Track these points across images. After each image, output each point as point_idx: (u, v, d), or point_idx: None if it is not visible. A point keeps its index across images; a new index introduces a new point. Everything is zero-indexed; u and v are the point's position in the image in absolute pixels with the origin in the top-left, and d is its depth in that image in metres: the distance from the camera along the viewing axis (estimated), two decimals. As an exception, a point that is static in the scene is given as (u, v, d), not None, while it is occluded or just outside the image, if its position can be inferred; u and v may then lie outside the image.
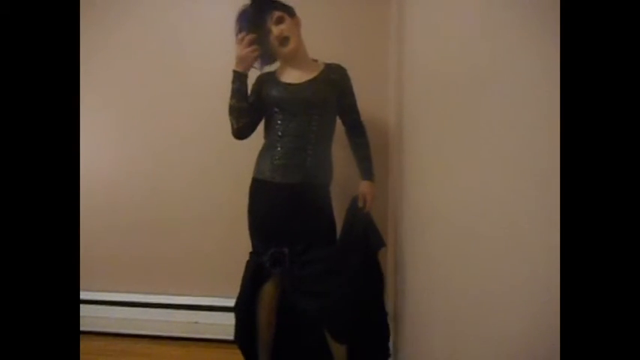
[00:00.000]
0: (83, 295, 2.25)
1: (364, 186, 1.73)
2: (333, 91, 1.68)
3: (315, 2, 2.13)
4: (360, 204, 1.70)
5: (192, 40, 2.23)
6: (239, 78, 1.61)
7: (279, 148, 1.61)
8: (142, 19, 2.28)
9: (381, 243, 1.70)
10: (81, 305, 2.21)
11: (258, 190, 1.66)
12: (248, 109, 1.64)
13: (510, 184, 0.57)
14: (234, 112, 1.63)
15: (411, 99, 1.47)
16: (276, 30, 1.59)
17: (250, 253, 1.72)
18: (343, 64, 2.10)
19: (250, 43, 1.57)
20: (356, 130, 1.79)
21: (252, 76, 1.70)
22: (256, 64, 1.67)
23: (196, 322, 2.23)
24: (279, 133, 1.62)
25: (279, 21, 1.60)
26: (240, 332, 1.73)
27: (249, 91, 1.66)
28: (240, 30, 1.62)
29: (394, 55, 1.94)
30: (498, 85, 0.61)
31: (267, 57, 1.68)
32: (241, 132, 1.67)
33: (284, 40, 1.60)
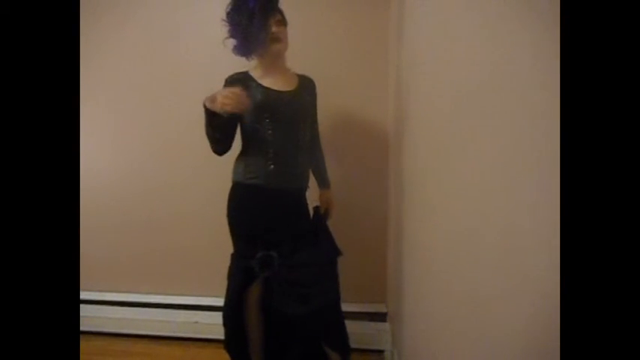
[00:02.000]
0: (83, 295, 2.25)
1: (327, 194, 1.91)
2: (313, 101, 1.79)
3: (316, 5, 2.13)
4: (323, 211, 1.83)
5: (189, 41, 2.24)
6: (222, 120, 1.50)
7: (271, 154, 1.60)
8: (141, 20, 2.28)
9: (338, 251, 1.75)
10: (81, 305, 2.21)
11: (248, 193, 1.64)
12: (229, 135, 1.62)
13: (510, 184, 0.57)
14: (215, 141, 1.58)
15: (410, 100, 1.47)
16: (276, 29, 1.62)
17: (232, 255, 1.72)
18: (344, 66, 2.11)
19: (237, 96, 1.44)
20: (316, 140, 1.87)
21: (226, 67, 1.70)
22: (234, 51, 1.64)
23: (196, 322, 2.23)
24: (270, 139, 1.61)
25: (279, 24, 1.64)
26: (231, 339, 1.73)
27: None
28: (241, 2, 1.58)
29: (394, 57, 1.94)
30: (498, 86, 0.61)
31: (249, 49, 1.64)
32: (224, 152, 1.65)
33: (278, 39, 1.63)
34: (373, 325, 2.08)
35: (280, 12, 1.67)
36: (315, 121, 1.83)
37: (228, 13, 1.61)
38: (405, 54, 1.60)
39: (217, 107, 1.43)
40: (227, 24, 1.62)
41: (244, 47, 1.63)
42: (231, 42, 1.63)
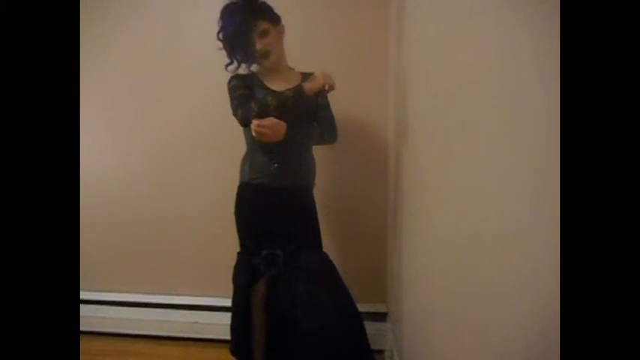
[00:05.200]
0: (83, 295, 2.25)
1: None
2: (314, 99, 1.75)
3: (315, 6, 2.13)
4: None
5: (190, 42, 2.23)
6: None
7: (274, 153, 1.62)
8: (142, 20, 2.28)
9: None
10: (81, 305, 2.21)
11: (253, 193, 1.66)
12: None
13: (510, 182, 0.57)
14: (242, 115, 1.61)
15: (410, 99, 1.47)
16: (259, 44, 1.62)
17: (238, 254, 1.72)
18: (343, 68, 2.11)
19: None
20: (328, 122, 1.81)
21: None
22: (232, 64, 1.70)
23: (196, 322, 2.23)
24: None
25: (264, 34, 1.62)
26: (239, 340, 1.71)
27: (236, 89, 1.67)
28: (222, 30, 1.62)
29: (394, 56, 1.94)
30: (498, 87, 0.61)
31: (249, 60, 1.70)
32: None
33: (266, 53, 1.63)
34: (373, 325, 2.08)
35: (265, 16, 1.64)
36: (324, 110, 1.79)
37: (217, 35, 1.65)
38: (405, 53, 1.60)
39: (254, 135, 1.54)
40: (221, 46, 1.66)
41: (236, 64, 1.68)
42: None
